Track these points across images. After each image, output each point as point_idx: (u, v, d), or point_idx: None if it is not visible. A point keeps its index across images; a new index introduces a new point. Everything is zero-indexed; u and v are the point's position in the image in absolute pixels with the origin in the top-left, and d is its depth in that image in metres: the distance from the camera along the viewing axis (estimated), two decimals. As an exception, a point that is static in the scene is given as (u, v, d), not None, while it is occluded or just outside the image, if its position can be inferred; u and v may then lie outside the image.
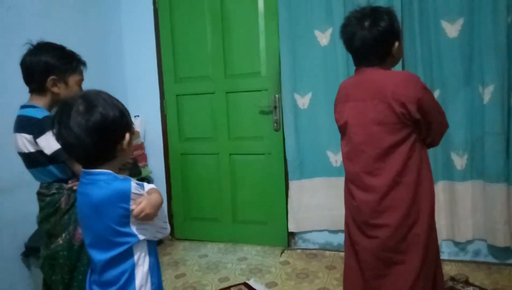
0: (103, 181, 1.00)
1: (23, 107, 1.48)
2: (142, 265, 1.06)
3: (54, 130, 1.01)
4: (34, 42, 1.49)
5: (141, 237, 1.04)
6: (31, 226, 2.14)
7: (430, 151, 2.21)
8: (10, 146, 1.55)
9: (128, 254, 1.03)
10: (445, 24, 2.29)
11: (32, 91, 1.49)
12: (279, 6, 2.62)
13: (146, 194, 1.06)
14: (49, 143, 1.36)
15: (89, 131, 0.96)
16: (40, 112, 1.41)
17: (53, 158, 1.40)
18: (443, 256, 2.46)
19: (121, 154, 1.05)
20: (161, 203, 1.09)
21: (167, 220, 1.14)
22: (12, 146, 1.49)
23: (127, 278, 1.03)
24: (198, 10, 2.91)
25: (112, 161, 1.04)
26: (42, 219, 1.47)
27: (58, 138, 1.01)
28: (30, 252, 2.18)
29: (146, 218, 1.02)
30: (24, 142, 1.42)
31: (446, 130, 1.47)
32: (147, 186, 1.11)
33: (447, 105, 2.32)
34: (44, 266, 1.47)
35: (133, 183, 1.02)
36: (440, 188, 2.40)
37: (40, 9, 2.38)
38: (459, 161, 2.36)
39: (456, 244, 2.47)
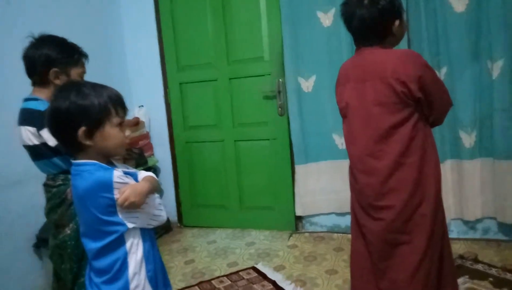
0: (87, 171, 1.02)
1: (26, 100, 1.48)
2: (135, 252, 1.06)
3: None
4: (36, 35, 1.49)
5: (130, 225, 1.03)
6: (41, 218, 2.15)
7: (437, 129, 2.20)
8: (16, 139, 1.57)
9: (119, 242, 1.04)
10: (451, -2, 2.22)
11: (34, 83, 1.49)
12: (280, -13, 2.57)
13: (132, 182, 1.05)
14: (51, 136, 1.36)
15: (47, 118, 1.04)
16: (42, 105, 1.42)
17: (57, 150, 1.41)
18: (452, 235, 2.44)
19: (92, 145, 1.03)
20: (151, 190, 1.08)
21: (161, 208, 1.13)
22: (17, 140, 1.50)
23: (120, 266, 1.04)
24: (198, -3, 2.87)
25: (87, 151, 1.04)
26: (49, 210, 1.49)
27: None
28: (41, 243, 2.22)
29: (132, 207, 1.01)
30: (28, 134, 1.42)
31: (449, 108, 1.43)
32: (142, 174, 1.12)
33: (455, 82, 2.27)
34: (53, 256, 1.50)
35: (117, 172, 1.02)
36: (448, 167, 2.37)
37: (39, 3, 2.36)
38: (468, 139, 2.33)
39: (465, 222, 2.46)
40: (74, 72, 1.49)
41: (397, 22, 1.37)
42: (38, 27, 2.33)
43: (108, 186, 0.99)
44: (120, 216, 1.02)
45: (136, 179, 1.09)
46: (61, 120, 1.01)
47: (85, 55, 1.54)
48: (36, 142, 1.42)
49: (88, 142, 1.02)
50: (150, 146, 3.13)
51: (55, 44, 1.46)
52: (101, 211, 1.00)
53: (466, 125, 2.32)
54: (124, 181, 1.03)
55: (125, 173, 1.07)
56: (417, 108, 1.33)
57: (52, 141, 1.38)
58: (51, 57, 1.43)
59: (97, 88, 1.04)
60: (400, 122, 1.31)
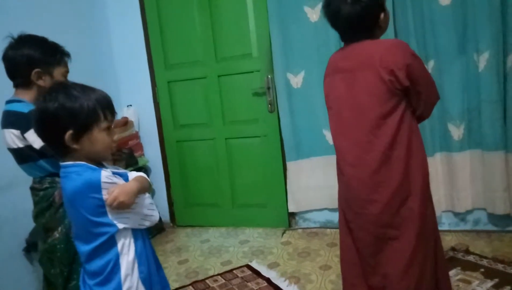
0: (74, 173, 1.01)
1: (8, 102, 1.45)
2: (126, 253, 1.05)
3: None
4: (15, 35, 1.45)
5: (120, 225, 1.02)
6: (31, 222, 2.13)
7: (426, 122, 2.21)
8: (1, 143, 1.54)
9: (110, 243, 1.03)
10: (437, -9, 2.23)
11: (17, 85, 1.46)
12: (267, -17, 2.55)
13: (121, 183, 1.04)
14: (36, 138, 1.34)
15: (34, 122, 1.04)
16: (26, 107, 1.39)
17: (43, 153, 1.38)
18: (443, 227, 2.47)
19: (78, 148, 1.02)
20: (141, 190, 1.06)
21: (153, 208, 1.12)
22: (2, 143, 1.47)
23: (112, 267, 1.03)
24: (184, -7, 2.84)
25: (74, 154, 1.03)
26: (37, 214, 1.47)
27: None
28: (31, 247, 2.19)
29: (121, 207, 1.00)
30: (13, 137, 1.40)
31: (436, 101, 1.43)
32: (132, 175, 1.10)
33: (442, 75, 2.28)
34: (42, 260, 1.48)
35: (105, 172, 1.01)
36: (438, 160, 2.39)
37: (23, 4, 2.31)
38: (456, 132, 2.34)
39: (456, 214, 2.48)
40: (57, 72, 1.46)
41: (382, 15, 1.37)
42: (20, 27, 2.29)
43: (96, 186, 0.98)
44: (110, 217, 1.01)
45: (126, 180, 1.08)
46: (49, 122, 1.00)
47: (67, 54, 1.51)
48: (20, 145, 1.39)
49: (75, 146, 1.01)
50: (140, 146, 3.10)
51: (36, 44, 1.43)
52: (90, 212, 0.99)
53: (455, 118, 2.33)
54: (113, 181, 1.02)
55: (115, 173, 1.05)
56: (404, 99, 1.32)
57: (37, 144, 1.35)
58: (33, 57, 1.40)
59: (87, 90, 1.03)
60: (388, 113, 1.31)
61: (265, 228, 2.91)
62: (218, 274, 2.30)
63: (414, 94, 1.32)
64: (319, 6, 2.48)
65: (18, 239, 2.19)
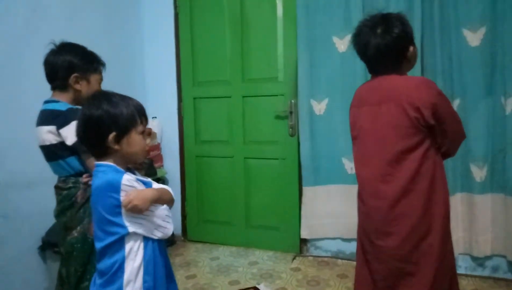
0: (101, 172, 1.10)
1: (46, 102, 1.53)
2: (132, 259, 1.08)
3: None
4: (57, 42, 1.55)
5: (131, 229, 1.07)
6: (49, 221, 2.20)
7: (448, 161, 2.18)
8: (30, 142, 1.61)
9: (119, 245, 1.08)
10: (466, 33, 2.24)
11: (54, 88, 1.55)
12: (298, 12, 2.62)
13: (140, 188, 1.10)
14: (71, 134, 1.41)
15: (78, 126, 1.14)
16: (63, 106, 1.47)
17: (74, 149, 1.45)
18: (460, 270, 2.38)
19: (116, 150, 1.11)
20: (157, 199, 1.12)
21: (169, 221, 1.16)
22: (34, 142, 1.54)
23: (116, 269, 1.07)
24: (218, 15, 2.96)
25: (110, 156, 1.12)
26: (59, 212, 1.51)
27: None
28: (46, 246, 2.23)
29: (134, 210, 1.05)
30: (47, 134, 1.46)
31: (462, 140, 1.43)
32: (156, 185, 1.16)
33: (468, 115, 2.27)
34: (62, 258, 1.51)
35: (128, 176, 1.08)
36: (458, 200, 2.34)
37: (65, 11, 2.46)
38: (479, 173, 2.30)
39: (474, 259, 2.40)
40: (93, 78, 1.56)
41: (411, 48, 1.39)
42: (61, 36, 2.43)
43: (116, 187, 1.05)
44: (124, 219, 1.06)
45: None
46: (94, 125, 1.09)
47: (103, 64, 1.61)
48: (53, 141, 1.46)
49: (116, 147, 1.10)
50: (160, 157, 3.16)
51: (76, 51, 1.54)
52: (107, 210, 1.05)
53: (478, 159, 2.30)
54: (132, 185, 1.07)
55: (139, 180, 1.11)
56: (429, 136, 1.33)
57: (70, 140, 1.42)
58: (72, 63, 1.50)
59: (125, 98, 1.13)
60: (412, 148, 1.32)
61: (275, 251, 2.88)
62: (225, 293, 2.28)
63: (439, 132, 1.33)
64: (348, 37, 2.53)
65: (35, 236, 2.24)
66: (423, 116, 1.28)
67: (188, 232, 3.20)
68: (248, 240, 2.99)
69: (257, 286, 2.36)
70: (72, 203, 1.48)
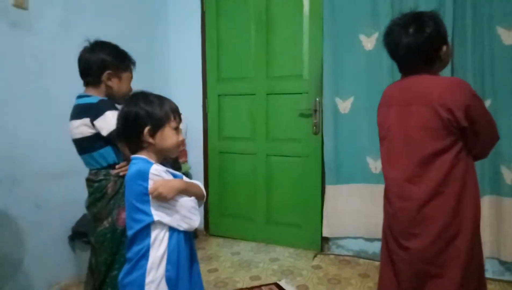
0: (134, 164, 1.17)
1: (79, 97, 1.59)
2: (157, 248, 1.13)
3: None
4: (92, 40, 1.61)
5: (156, 217, 1.12)
6: (79, 211, 2.29)
7: (477, 163, 2.12)
8: (61, 135, 1.68)
9: (146, 233, 1.13)
10: (500, 31, 2.17)
11: (87, 84, 1.61)
12: (324, 9, 2.61)
13: (169, 179, 1.17)
14: (106, 124, 1.46)
15: (118, 122, 1.22)
16: (95, 99, 1.53)
17: (109, 140, 1.50)
18: (487, 274, 2.31)
19: (150, 145, 1.18)
20: (184, 190, 1.16)
21: (195, 213, 1.19)
22: (66, 135, 1.61)
23: (141, 256, 1.13)
24: (244, 13, 2.97)
25: (144, 150, 1.19)
26: (90, 204, 1.57)
27: None
28: (76, 235, 2.32)
29: (159, 197, 1.11)
30: (80, 127, 1.52)
31: (496, 142, 1.39)
32: (187, 179, 1.21)
33: (499, 116, 2.19)
34: (92, 248, 1.57)
35: (156, 166, 1.14)
36: (487, 203, 2.28)
37: (97, 9, 2.54)
38: (509, 175, 2.23)
39: (502, 263, 2.34)
40: (124, 76, 1.62)
41: (444, 48, 1.36)
42: (92, 33, 2.50)
43: (144, 175, 1.12)
44: (151, 207, 1.12)
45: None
46: (131, 121, 1.17)
47: (133, 62, 1.67)
48: (87, 133, 1.51)
49: (150, 140, 1.17)
50: (184, 153, 3.22)
51: (110, 49, 1.60)
52: (135, 198, 1.12)
53: (509, 161, 2.23)
54: (160, 175, 1.13)
55: (170, 172, 1.17)
56: (461, 138, 1.30)
57: (105, 130, 1.47)
58: (106, 61, 1.56)
59: (161, 98, 1.21)
60: (442, 150, 1.29)
61: (296, 248, 2.89)
62: (247, 288, 2.31)
63: (472, 134, 1.30)
64: (375, 35, 2.50)
65: (65, 226, 2.33)
66: (456, 118, 1.25)
67: (210, 227, 3.25)
68: (269, 236, 3.01)
69: (278, 282, 2.37)
70: (103, 195, 1.53)
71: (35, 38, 2.17)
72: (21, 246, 2.11)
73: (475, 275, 1.35)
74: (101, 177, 1.54)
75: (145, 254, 1.12)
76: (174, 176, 1.20)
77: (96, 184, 1.55)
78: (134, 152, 1.21)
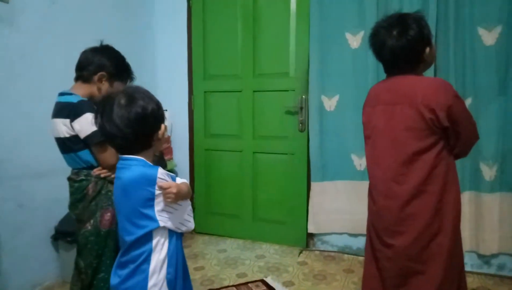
0: (134, 165, 1.10)
1: (61, 94, 1.56)
2: (159, 252, 1.11)
3: (96, 120, 1.10)
4: (103, 43, 1.61)
5: (161, 223, 1.09)
6: (63, 211, 2.24)
7: (458, 160, 2.19)
8: (46, 133, 1.64)
9: (148, 238, 1.10)
10: (482, 31, 2.23)
11: (78, 78, 1.57)
12: (311, 7, 2.62)
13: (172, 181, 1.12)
14: (82, 127, 1.44)
15: (131, 122, 1.06)
16: (75, 98, 1.50)
17: (86, 142, 1.48)
18: (466, 268, 2.36)
19: (156, 143, 1.13)
20: (187, 195, 1.15)
21: (191, 215, 1.19)
22: (49, 132, 1.58)
23: (143, 260, 1.10)
24: (231, 9, 2.96)
25: (148, 150, 1.13)
26: (72, 204, 1.55)
27: (101, 129, 1.10)
28: (59, 235, 2.28)
29: (169, 197, 1.07)
30: (61, 127, 1.49)
31: (475, 142, 1.43)
32: (179, 180, 1.17)
33: (479, 114, 2.26)
34: (78, 249, 1.55)
35: (161, 170, 1.10)
36: (467, 199, 2.35)
37: (79, 4, 2.48)
38: (488, 172, 2.31)
39: (480, 256, 2.42)
40: (116, 84, 1.60)
41: (427, 50, 1.38)
42: (78, 27, 2.45)
43: (152, 180, 1.07)
44: (156, 212, 1.08)
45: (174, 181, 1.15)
46: (151, 118, 1.09)
47: (132, 78, 1.67)
48: (67, 134, 1.48)
49: (158, 140, 1.13)
50: (170, 150, 3.19)
51: (114, 57, 1.59)
52: (140, 203, 1.07)
53: (488, 158, 2.30)
54: (166, 179, 1.10)
55: (167, 174, 1.14)
56: (443, 137, 1.34)
57: (83, 133, 1.45)
58: (105, 65, 1.55)
59: (151, 95, 1.14)
60: (425, 149, 1.32)
61: (282, 245, 2.91)
62: (233, 286, 2.32)
63: (453, 134, 1.34)
64: (361, 33, 2.53)
65: (48, 226, 2.29)
66: (438, 118, 1.29)
67: (196, 224, 3.21)
68: (255, 234, 3.02)
69: (264, 279, 2.39)
70: (84, 196, 1.51)
71: (17, 33, 2.11)
72: (3, 247, 2.06)
73: (457, 270, 1.39)
74: (82, 177, 1.52)
75: (147, 258, 1.09)
76: (170, 176, 1.16)
77: (76, 184, 1.53)
78: (130, 154, 1.12)
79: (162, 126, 1.12)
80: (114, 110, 1.06)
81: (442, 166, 1.34)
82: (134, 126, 1.06)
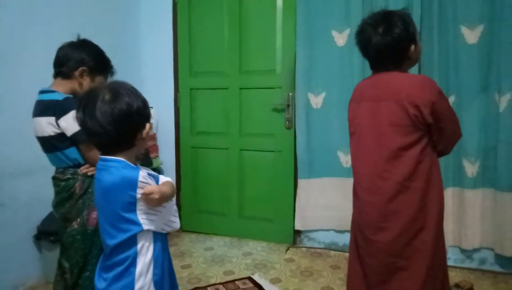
0: (114, 168, 1.04)
1: (42, 92, 1.52)
2: (144, 254, 1.08)
3: (78, 116, 1.05)
4: (80, 37, 1.57)
5: (145, 227, 1.06)
6: (45, 210, 2.20)
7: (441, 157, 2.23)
8: (27, 130, 1.60)
9: (132, 241, 1.06)
10: (464, 30, 2.27)
11: (57, 74, 1.53)
12: (298, 4, 2.62)
13: (153, 184, 1.08)
14: (69, 125, 1.41)
15: (114, 119, 1.00)
16: (59, 95, 1.46)
17: (73, 140, 1.44)
18: (449, 262, 2.42)
19: (139, 142, 1.09)
20: (171, 196, 1.11)
21: (177, 215, 1.16)
22: (30, 131, 1.53)
23: (128, 264, 1.06)
24: (217, 6, 2.93)
25: (130, 149, 1.08)
26: (57, 204, 1.51)
27: (82, 125, 1.05)
28: (42, 235, 2.23)
29: (151, 202, 1.04)
30: (46, 125, 1.45)
31: (458, 139, 1.45)
32: (163, 179, 1.14)
33: (462, 112, 2.31)
34: (62, 247, 1.52)
35: (142, 172, 1.05)
36: (450, 194, 2.39)
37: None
38: (471, 168, 2.35)
39: (462, 251, 2.47)
40: (97, 79, 1.56)
41: (412, 47, 1.39)
42: (61, 24, 2.39)
43: (133, 184, 1.02)
44: (138, 216, 1.04)
45: (157, 182, 1.12)
46: (136, 115, 1.04)
47: (112, 72, 1.63)
48: (51, 133, 1.45)
49: (141, 139, 1.08)
50: (156, 148, 3.16)
51: (94, 52, 1.55)
52: (122, 207, 1.03)
53: (470, 155, 2.35)
54: (147, 182, 1.05)
55: (149, 174, 1.10)
56: (426, 134, 1.35)
57: (70, 131, 1.41)
58: (85, 60, 1.51)
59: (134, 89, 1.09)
60: (409, 145, 1.33)
61: (269, 242, 2.92)
62: (220, 283, 2.31)
63: (436, 131, 1.35)
64: (347, 31, 2.54)
65: (30, 225, 2.24)
66: (422, 114, 1.30)
67: (182, 222, 3.21)
68: (242, 231, 3.02)
69: (251, 276, 2.39)
70: (71, 195, 1.47)
71: (-5, 28, 2.05)
72: (-18, 247, 2.01)
73: (440, 266, 1.41)
74: (68, 176, 1.49)
75: (133, 261, 1.06)
76: (153, 177, 1.12)
77: (62, 183, 1.49)
78: (110, 153, 1.07)
79: (147, 125, 1.07)
80: (97, 105, 1.00)
81: (426, 162, 1.35)
82: (117, 123, 1.01)
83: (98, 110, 1.00)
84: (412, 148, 1.34)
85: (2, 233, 2.09)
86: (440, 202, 1.40)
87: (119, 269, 1.07)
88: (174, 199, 1.17)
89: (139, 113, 1.04)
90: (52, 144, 1.47)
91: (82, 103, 1.04)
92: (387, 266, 1.39)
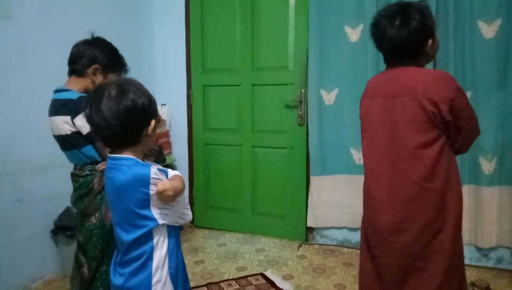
0: (125, 166, 1.05)
1: (57, 91, 1.54)
2: (160, 248, 1.10)
3: (86, 111, 1.07)
4: (94, 34, 1.59)
5: (160, 221, 1.07)
6: (61, 205, 2.25)
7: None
8: (44, 127, 1.63)
9: (148, 236, 1.08)
10: (481, 24, 2.22)
11: (71, 72, 1.55)
12: (310, 0, 2.60)
13: (166, 180, 1.10)
14: (85, 123, 1.42)
15: (119, 114, 1.02)
16: (74, 94, 1.49)
17: (90, 139, 1.46)
18: (465, 261, 2.40)
19: (145, 139, 1.10)
20: (182, 190, 1.12)
21: (188, 207, 1.17)
22: (47, 128, 1.56)
23: (145, 259, 1.08)
24: (229, 3, 2.94)
25: (137, 146, 1.09)
26: (76, 199, 1.54)
27: (88, 119, 1.07)
28: (58, 230, 2.28)
29: (165, 199, 1.06)
30: (62, 124, 1.47)
31: (476, 137, 1.39)
32: (172, 173, 1.16)
33: (478, 108, 2.26)
34: (78, 242, 1.55)
35: (153, 168, 1.07)
36: (466, 192, 2.34)
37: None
38: (487, 166, 2.31)
39: (479, 249, 2.43)
40: (110, 76, 1.57)
41: (430, 41, 1.32)
42: (76, 22, 2.42)
43: (145, 181, 1.03)
44: (153, 211, 1.06)
45: (166, 177, 1.13)
46: (140, 112, 1.05)
47: (126, 70, 1.64)
48: (68, 132, 1.47)
49: (148, 136, 1.09)
50: (169, 144, 3.19)
51: (107, 49, 1.57)
52: (136, 204, 1.04)
53: (487, 152, 2.30)
54: (159, 178, 1.07)
55: (159, 170, 1.11)
56: (444, 132, 1.30)
57: (86, 129, 1.43)
58: (98, 57, 1.53)
59: (143, 87, 1.10)
60: (427, 143, 1.28)
61: (281, 239, 2.92)
62: (233, 279, 2.33)
63: (454, 128, 1.30)
64: (360, 27, 2.52)
65: (47, 220, 2.29)
66: (440, 111, 1.24)
67: (195, 218, 3.24)
68: (255, 227, 3.03)
69: (264, 272, 2.40)
70: (90, 190, 1.50)
71: (14, 27, 2.09)
72: (2, 241, 2.06)
73: (458, 268, 1.36)
74: (87, 172, 1.51)
75: (150, 256, 1.08)
76: (163, 172, 1.13)
77: (81, 179, 1.52)
78: (116, 149, 1.08)
79: (152, 122, 1.08)
80: (104, 100, 1.02)
81: (444, 162, 1.29)
82: (122, 119, 1.02)
83: (104, 105, 1.02)
84: (430, 147, 1.28)
85: (20, 228, 2.14)
86: (458, 203, 1.34)
87: (136, 264, 1.09)
88: (185, 192, 1.18)
89: (144, 109, 1.05)
90: (69, 143, 1.50)
91: (90, 100, 1.06)
92: (404, 267, 1.35)
